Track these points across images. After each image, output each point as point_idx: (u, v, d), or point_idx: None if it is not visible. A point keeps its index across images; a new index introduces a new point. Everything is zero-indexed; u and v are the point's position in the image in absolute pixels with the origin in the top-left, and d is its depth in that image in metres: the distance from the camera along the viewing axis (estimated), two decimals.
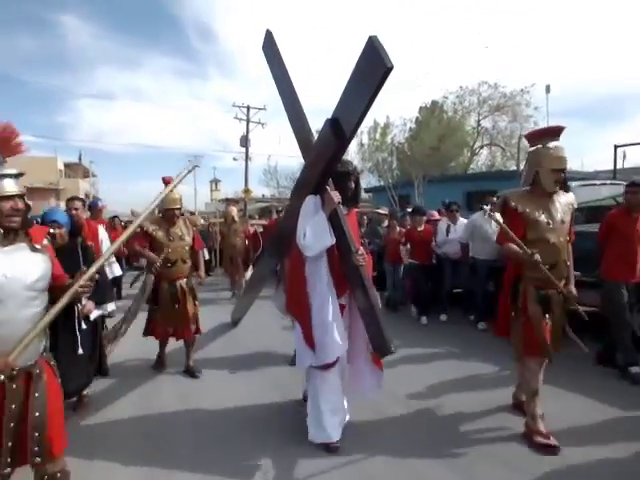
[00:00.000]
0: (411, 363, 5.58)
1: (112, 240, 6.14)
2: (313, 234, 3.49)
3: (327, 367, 3.58)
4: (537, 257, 3.39)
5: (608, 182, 7.78)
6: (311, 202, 3.66)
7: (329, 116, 3.48)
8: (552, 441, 3.50)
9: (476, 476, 3.24)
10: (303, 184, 4.07)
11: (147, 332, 5.34)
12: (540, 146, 3.64)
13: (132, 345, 5.74)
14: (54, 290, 2.41)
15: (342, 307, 3.67)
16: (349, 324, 3.77)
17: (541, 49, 57.31)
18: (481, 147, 33.11)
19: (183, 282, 5.27)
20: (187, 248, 5.35)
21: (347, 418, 3.88)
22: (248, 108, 30.56)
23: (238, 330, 7.16)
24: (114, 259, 5.43)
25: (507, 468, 3.31)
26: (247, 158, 30.79)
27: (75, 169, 46.95)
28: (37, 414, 2.27)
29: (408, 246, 7.91)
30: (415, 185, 18.80)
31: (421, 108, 32.37)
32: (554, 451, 3.44)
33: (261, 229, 11.51)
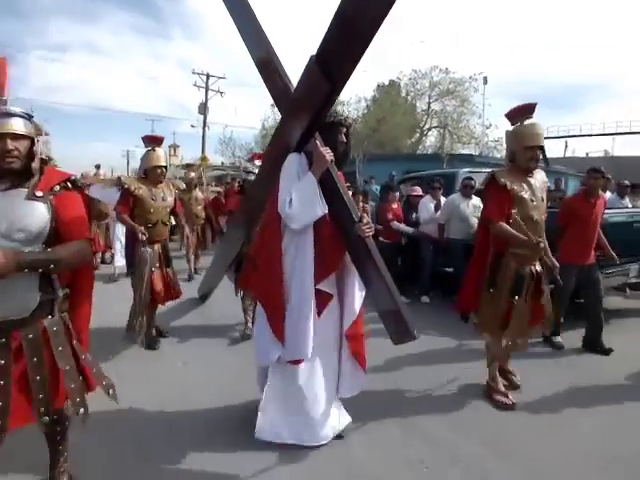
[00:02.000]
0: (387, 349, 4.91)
1: None
2: (300, 201, 2.67)
3: (297, 362, 2.85)
4: (542, 244, 3.33)
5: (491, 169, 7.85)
6: (295, 162, 2.82)
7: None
8: (510, 399, 3.59)
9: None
10: (282, 140, 3.15)
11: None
12: (518, 125, 3.49)
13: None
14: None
15: (327, 297, 2.87)
16: (340, 317, 2.99)
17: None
18: (429, 129, 33.11)
19: (159, 246, 4.77)
20: (168, 210, 4.89)
21: (330, 429, 3.03)
22: (208, 76, 29.67)
23: (206, 306, 6.33)
24: None
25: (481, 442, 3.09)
26: (205, 126, 29.75)
27: None
28: (38, 378, 2.07)
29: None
30: (356, 163, 18.46)
31: (379, 86, 31.98)
32: (512, 407, 3.55)
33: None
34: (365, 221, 2.78)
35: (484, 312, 3.60)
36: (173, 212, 5.04)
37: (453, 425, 3.29)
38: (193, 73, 29.48)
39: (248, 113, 58.94)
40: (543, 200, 3.55)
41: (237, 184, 11.83)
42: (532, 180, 3.50)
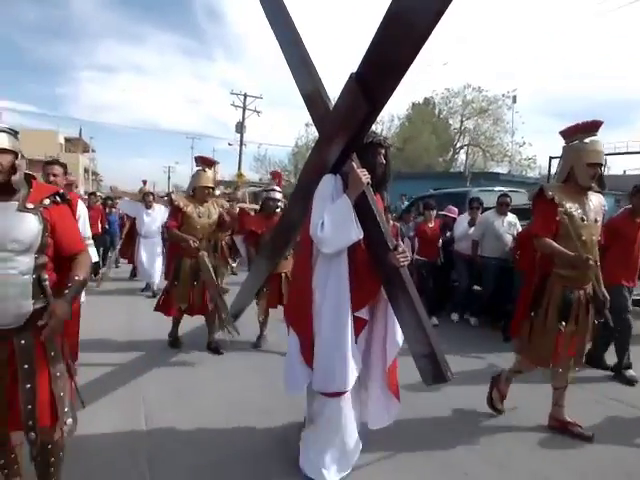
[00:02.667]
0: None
1: (91, 219, 5.58)
2: (333, 224, 2.48)
3: (334, 394, 2.61)
4: (591, 261, 3.00)
5: (505, 189, 8.19)
6: (329, 183, 2.63)
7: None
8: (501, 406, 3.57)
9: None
10: (317, 161, 2.98)
11: (159, 308, 5.03)
12: (577, 142, 3.21)
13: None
14: (64, 259, 2.19)
15: (362, 322, 2.67)
16: (368, 342, 2.79)
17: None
18: (460, 147, 32.76)
19: (204, 260, 4.82)
20: (213, 227, 5.08)
21: (357, 456, 2.81)
22: (245, 96, 30.03)
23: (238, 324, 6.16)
24: (91, 242, 4.68)
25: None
26: (241, 144, 30.12)
27: (75, 144, 45.43)
28: (28, 386, 2.04)
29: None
30: None
31: (414, 105, 31.82)
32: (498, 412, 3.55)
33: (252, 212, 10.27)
34: (401, 249, 2.54)
35: (525, 337, 3.32)
36: (219, 224, 5.14)
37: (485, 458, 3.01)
38: (231, 93, 30.03)
39: (282, 131, 59.60)
40: (597, 222, 3.24)
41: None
42: (586, 200, 3.22)
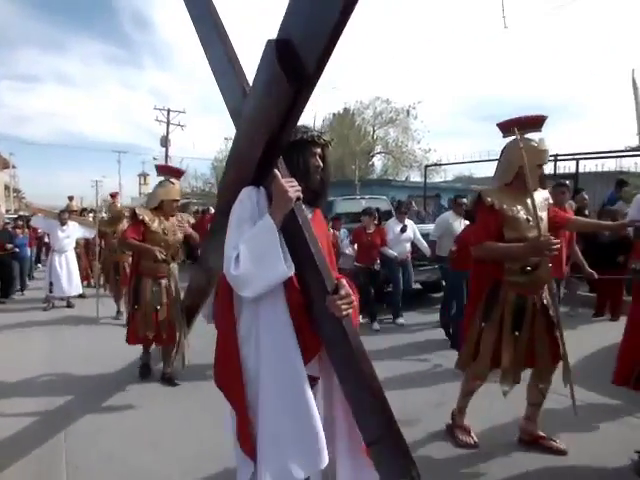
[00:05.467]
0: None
1: None
2: (252, 258, 1.62)
3: None
4: (551, 239, 2.57)
5: (367, 197, 9.69)
6: (249, 200, 1.75)
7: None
8: (472, 438, 3.02)
9: None
10: (234, 172, 2.06)
11: (128, 338, 4.15)
12: (518, 138, 2.75)
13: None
14: None
15: (312, 380, 1.77)
16: (327, 405, 1.85)
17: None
18: (372, 155, 33.22)
19: (168, 282, 4.12)
20: (178, 246, 4.32)
21: None
22: (169, 111, 28.74)
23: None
24: None
25: None
26: (167, 158, 28.26)
27: None
28: None
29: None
30: None
31: (334, 115, 31.93)
32: (474, 446, 2.97)
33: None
34: (343, 292, 1.63)
35: (470, 345, 2.90)
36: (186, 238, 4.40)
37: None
38: (155, 109, 28.55)
39: (208, 144, 56.79)
40: (542, 219, 2.82)
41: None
42: (529, 200, 2.71)
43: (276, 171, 1.69)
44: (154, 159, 29.22)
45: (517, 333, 2.77)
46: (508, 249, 2.75)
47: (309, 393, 1.66)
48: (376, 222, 6.52)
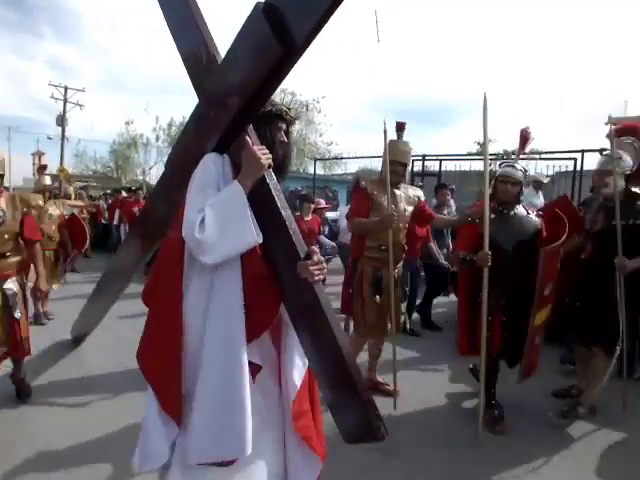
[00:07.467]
0: None
1: None
2: (219, 222, 1.50)
3: (228, 462, 1.57)
4: (395, 215, 3.15)
5: None
6: (213, 165, 1.63)
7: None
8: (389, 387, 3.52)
9: None
10: (195, 138, 1.90)
11: None
12: (388, 141, 3.32)
13: None
14: None
15: (254, 370, 1.61)
16: (276, 388, 1.74)
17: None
18: None
19: (8, 285, 3.10)
20: (9, 236, 3.12)
21: None
22: (66, 89, 25.68)
23: (81, 350, 4.43)
24: None
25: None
26: (63, 138, 25.65)
27: None
28: None
29: None
30: None
31: None
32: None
33: (76, 212, 7.19)
34: (316, 258, 1.58)
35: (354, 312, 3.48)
36: (22, 238, 3.23)
37: None
38: (49, 85, 25.36)
39: (108, 125, 51.90)
40: (405, 211, 3.47)
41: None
42: (398, 192, 3.44)
43: (247, 137, 1.62)
44: (49, 139, 25.95)
45: (378, 297, 3.32)
46: (368, 222, 3.31)
47: (246, 368, 1.55)
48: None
